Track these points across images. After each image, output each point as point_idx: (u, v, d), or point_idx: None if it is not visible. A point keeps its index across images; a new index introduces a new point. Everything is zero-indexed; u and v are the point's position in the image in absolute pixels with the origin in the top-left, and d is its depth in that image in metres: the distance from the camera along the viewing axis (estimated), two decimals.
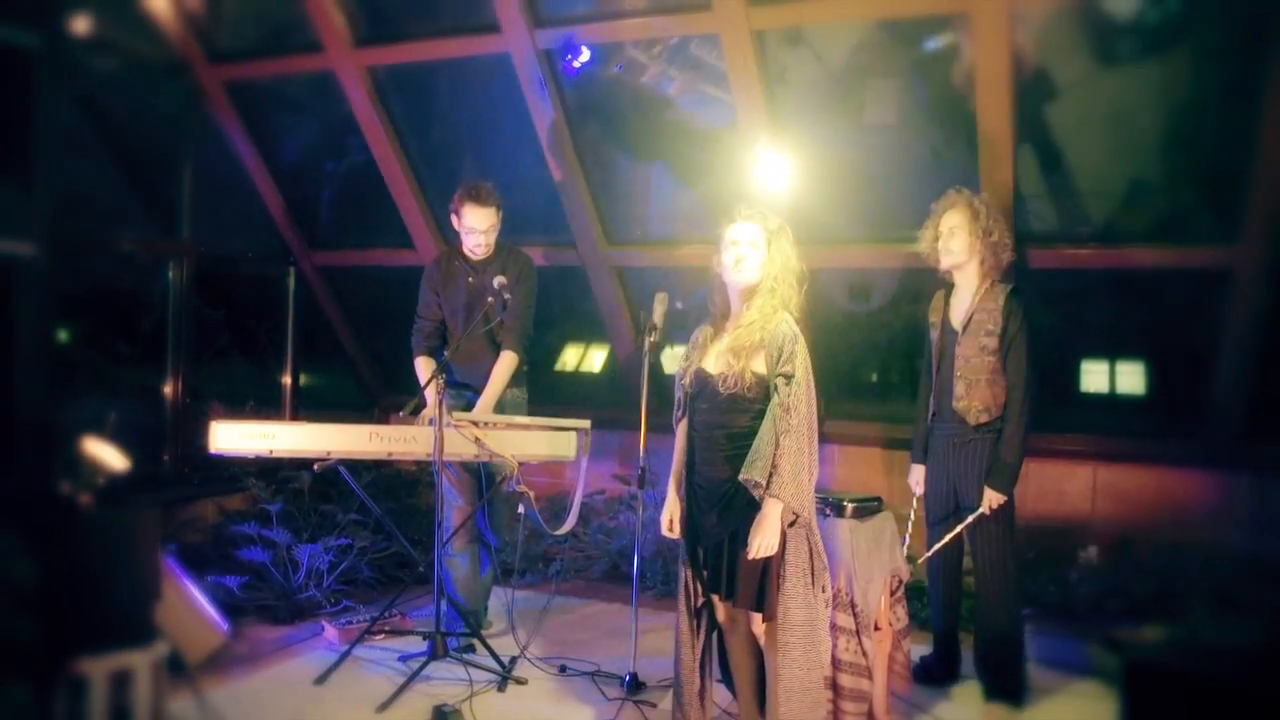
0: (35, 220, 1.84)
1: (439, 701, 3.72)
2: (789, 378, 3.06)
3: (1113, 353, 4.99)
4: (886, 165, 4.92)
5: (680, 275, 5.52)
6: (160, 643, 1.98)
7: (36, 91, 1.86)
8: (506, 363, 4.43)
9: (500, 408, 4.40)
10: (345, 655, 4.16)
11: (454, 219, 4.44)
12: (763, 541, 3.01)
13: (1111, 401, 4.97)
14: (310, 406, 6.15)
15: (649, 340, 3.70)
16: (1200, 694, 1.94)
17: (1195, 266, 4.46)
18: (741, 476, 3.04)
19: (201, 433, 4.22)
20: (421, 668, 4.00)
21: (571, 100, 5.05)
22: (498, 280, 4.25)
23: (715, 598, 3.24)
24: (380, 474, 5.54)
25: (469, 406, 4.46)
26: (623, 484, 5.63)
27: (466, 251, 4.48)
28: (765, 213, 3.25)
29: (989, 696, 3.90)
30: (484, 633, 4.41)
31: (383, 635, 4.44)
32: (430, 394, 4.18)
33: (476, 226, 4.34)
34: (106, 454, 2.01)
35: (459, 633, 4.31)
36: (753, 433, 3.08)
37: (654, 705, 3.81)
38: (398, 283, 5.66)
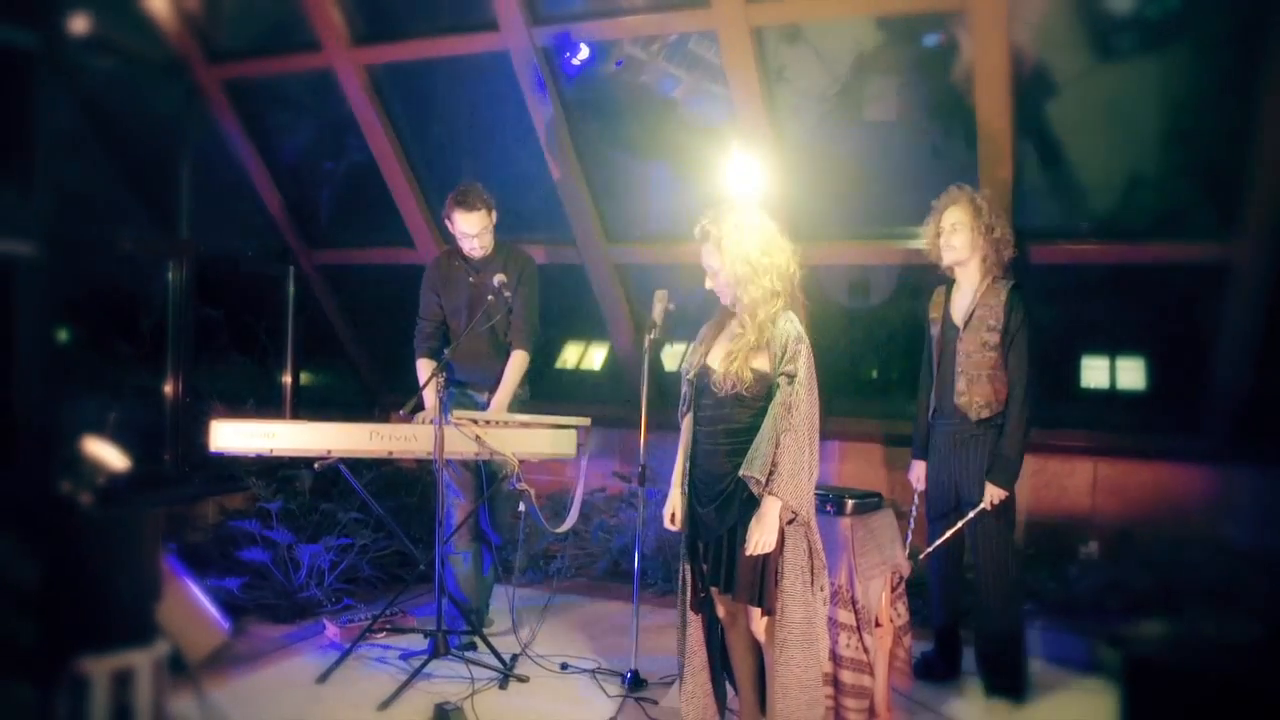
0: (35, 220, 1.84)
1: (440, 699, 3.73)
2: (791, 376, 3.06)
3: (1113, 348, 4.99)
4: (886, 162, 4.92)
5: (680, 272, 5.52)
6: (161, 642, 1.98)
7: (35, 91, 1.86)
8: (518, 362, 4.44)
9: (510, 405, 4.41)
10: (347, 654, 4.16)
11: (448, 224, 4.45)
12: (760, 538, 3.02)
13: (1112, 397, 4.97)
14: (310, 405, 6.15)
15: (649, 338, 3.71)
16: (1200, 690, 1.94)
17: (1195, 262, 4.45)
18: (741, 473, 3.05)
19: (202, 432, 4.22)
20: (423, 666, 4.01)
21: (570, 97, 5.05)
22: (498, 278, 4.25)
23: (714, 592, 3.25)
24: (381, 472, 5.54)
25: (471, 405, 4.46)
26: (623, 481, 5.63)
27: (465, 252, 4.48)
28: (716, 219, 3.18)
29: (990, 693, 3.90)
30: (485, 631, 4.41)
31: (384, 634, 4.44)
32: (430, 394, 4.18)
33: (468, 231, 4.36)
34: (107, 454, 2.01)
35: (460, 631, 4.31)
36: (754, 429, 3.09)
37: (655, 702, 3.81)
38: (397, 281, 5.66)
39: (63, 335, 4.73)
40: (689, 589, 3.29)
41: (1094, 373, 5.05)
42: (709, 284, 3.24)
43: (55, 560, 1.81)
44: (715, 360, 3.20)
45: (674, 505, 3.33)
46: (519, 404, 4.53)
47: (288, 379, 6.13)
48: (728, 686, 3.42)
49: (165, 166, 5.60)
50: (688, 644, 3.30)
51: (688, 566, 3.29)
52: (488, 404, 4.46)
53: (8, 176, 1.85)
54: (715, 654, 3.34)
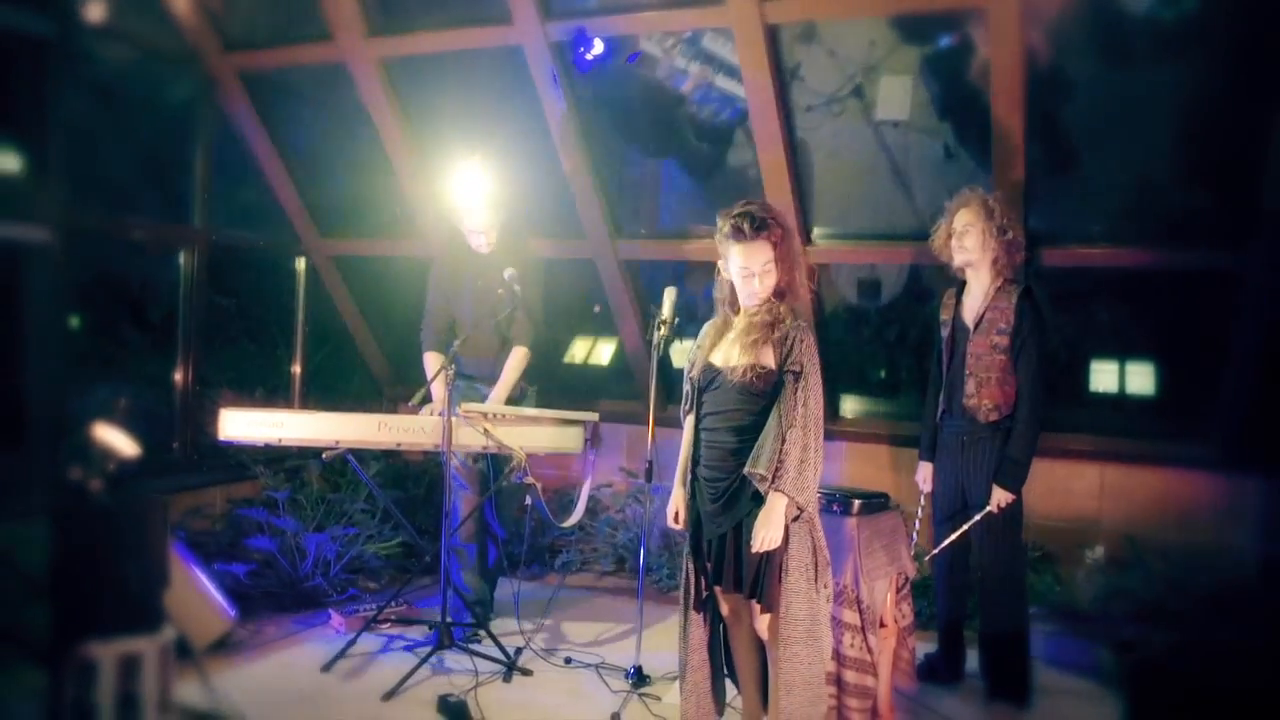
0: (48, 207, 1.85)
1: (444, 691, 3.74)
2: (797, 373, 3.06)
3: (1122, 353, 4.97)
4: (898, 162, 4.91)
5: (689, 269, 5.53)
6: (168, 629, 1.99)
7: (51, 78, 1.86)
8: (518, 358, 4.44)
9: (510, 400, 4.42)
10: (351, 643, 4.17)
11: (455, 220, 4.46)
12: (767, 535, 3.02)
13: (1120, 402, 4.96)
14: (319, 395, 6.16)
15: (658, 334, 3.70)
16: (1204, 696, 1.94)
17: (1206, 268, 4.44)
18: (747, 470, 3.05)
19: (211, 420, 4.24)
20: (427, 657, 4.02)
21: (583, 93, 5.05)
22: (507, 272, 4.25)
23: (718, 590, 3.25)
24: (388, 463, 5.55)
25: (477, 399, 4.47)
26: (630, 477, 5.64)
27: (473, 247, 4.49)
28: (767, 220, 3.11)
29: (993, 696, 3.90)
30: (490, 623, 4.42)
31: (389, 624, 4.46)
32: (438, 387, 4.18)
33: (475, 227, 4.38)
34: (117, 440, 2.02)
35: (465, 623, 4.32)
36: (759, 427, 3.09)
37: (658, 698, 3.81)
38: (407, 272, 5.67)
39: (74, 322, 4.77)
40: (692, 587, 3.29)
41: (1103, 377, 5.04)
42: (738, 279, 3.15)
43: (63, 546, 1.82)
44: (719, 358, 3.19)
45: (677, 504, 3.33)
46: (527, 399, 4.54)
47: (297, 368, 6.14)
48: (730, 685, 3.42)
49: (178, 155, 5.61)
50: (689, 641, 3.30)
51: (691, 565, 3.29)
52: None
53: (22, 163, 1.85)
54: (717, 652, 3.34)
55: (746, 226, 3.10)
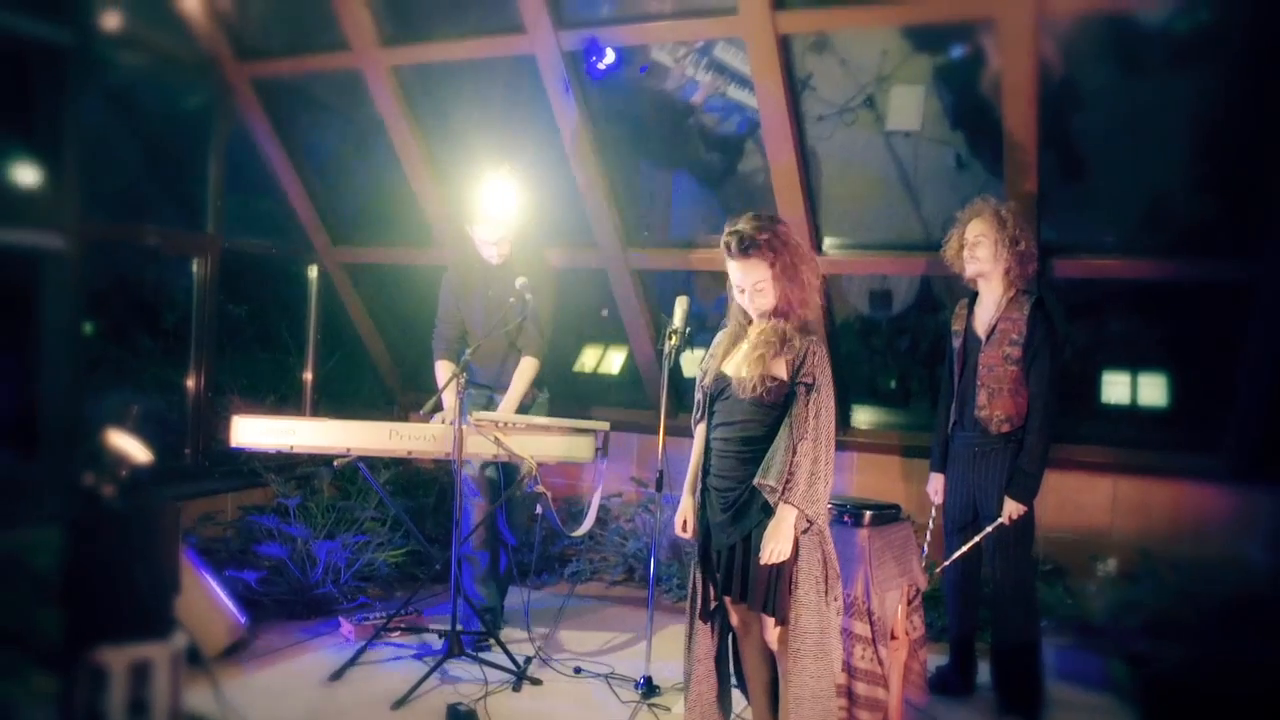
0: (64, 213, 1.86)
1: (454, 700, 3.73)
2: (809, 385, 3.05)
3: (1135, 365, 4.95)
4: (910, 171, 4.91)
5: (700, 278, 5.53)
6: (179, 635, 1.99)
7: (67, 86, 1.88)
8: (528, 368, 4.45)
9: (522, 409, 4.42)
10: (361, 652, 4.17)
11: (468, 230, 4.48)
12: (776, 547, 3.01)
13: (1133, 414, 4.94)
14: (330, 403, 6.18)
15: (669, 344, 3.70)
16: (1217, 709, 1.92)
17: (1220, 279, 4.42)
18: (757, 481, 3.04)
19: (223, 427, 4.25)
20: (437, 666, 4.01)
21: (595, 102, 5.06)
22: (519, 281, 4.26)
23: (727, 600, 3.24)
24: (399, 471, 5.56)
25: (489, 407, 4.47)
26: (640, 486, 5.63)
27: (485, 258, 4.50)
28: (758, 240, 3.06)
29: (1005, 710, 3.87)
30: (499, 632, 4.42)
31: (399, 632, 4.45)
32: (449, 395, 4.19)
33: (488, 238, 4.39)
34: (129, 446, 2.03)
35: (475, 631, 4.32)
36: (770, 438, 3.08)
37: (668, 709, 3.80)
38: (420, 281, 5.68)
39: (88, 328, 4.79)
40: (699, 597, 3.28)
41: (1115, 388, 5.03)
42: (739, 295, 3.17)
43: (76, 551, 1.83)
44: (731, 368, 3.19)
45: (685, 512, 3.32)
46: (540, 408, 4.54)
47: (309, 375, 6.16)
48: (739, 696, 3.41)
49: (192, 162, 5.64)
50: (694, 652, 3.29)
51: (699, 575, 3.28)
52: None
53: (39, 170, 1.87)
54: (724, 662, 3.33)
55: (734, 244, 3.09)
